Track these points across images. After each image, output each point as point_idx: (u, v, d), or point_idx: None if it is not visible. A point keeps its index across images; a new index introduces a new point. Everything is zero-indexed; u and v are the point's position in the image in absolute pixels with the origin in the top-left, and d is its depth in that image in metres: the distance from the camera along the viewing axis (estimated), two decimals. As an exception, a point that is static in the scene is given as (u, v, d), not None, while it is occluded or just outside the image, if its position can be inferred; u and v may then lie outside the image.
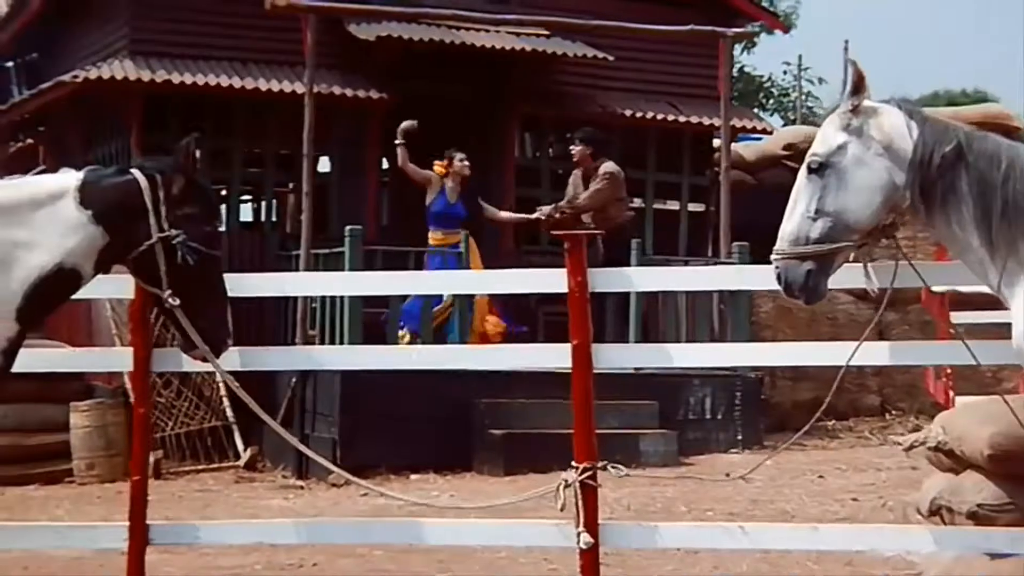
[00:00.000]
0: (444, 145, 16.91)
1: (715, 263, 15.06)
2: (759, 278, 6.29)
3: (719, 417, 14.11)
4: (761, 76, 33.03)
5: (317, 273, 11.46)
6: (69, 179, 5.77)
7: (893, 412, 17.23)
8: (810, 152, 5.87)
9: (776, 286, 5.86)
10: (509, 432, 12.98)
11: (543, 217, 14.10)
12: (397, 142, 13.81)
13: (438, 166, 14.15)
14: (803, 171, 5.91)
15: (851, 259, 5.98)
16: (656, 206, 16.99)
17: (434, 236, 13.98)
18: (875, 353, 7.12)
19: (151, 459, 14.21)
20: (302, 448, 7.37)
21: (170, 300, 5.85)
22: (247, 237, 15.61)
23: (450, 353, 9.14)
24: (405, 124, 13.82)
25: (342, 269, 13.54)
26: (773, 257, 5.92)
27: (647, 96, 16.57)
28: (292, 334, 14.43)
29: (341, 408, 13.17)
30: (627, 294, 14.55)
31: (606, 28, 14.98)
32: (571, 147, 14.55)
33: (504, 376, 13.65)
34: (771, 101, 30.83)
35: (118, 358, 8.86)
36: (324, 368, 13.28)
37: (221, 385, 14.83)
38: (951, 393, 13.03)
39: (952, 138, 5.66)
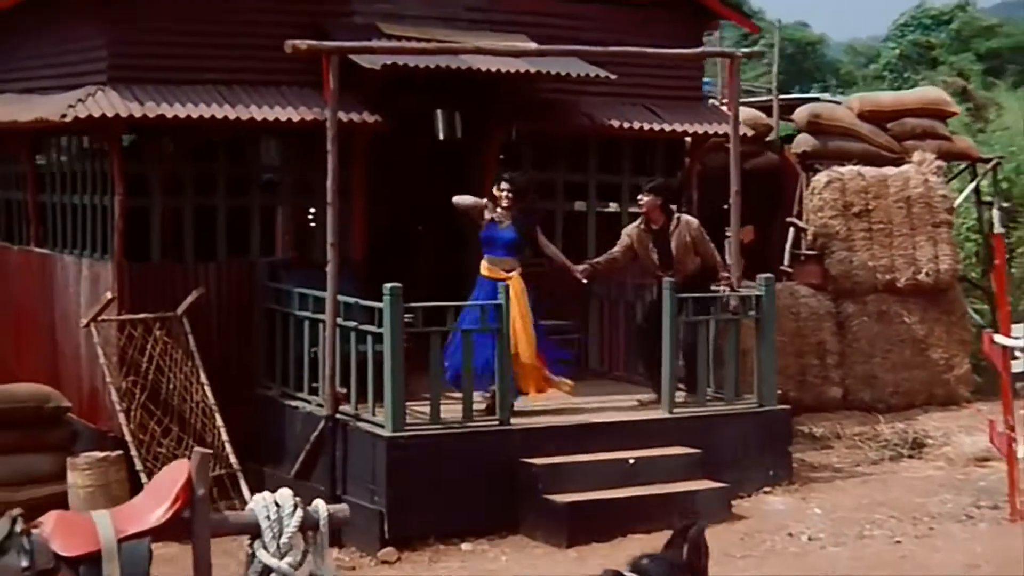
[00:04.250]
0: (429, 164, 15.42)
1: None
2: None
3: (750, 455, 12.94)
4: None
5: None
6: None
7: (872, 411, 16.42)
8: None
9: None
10: (574, 501, 11.59)
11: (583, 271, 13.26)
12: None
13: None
14: None
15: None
16: (631, 209, 15.60)
17: (482, 265, 12.53)
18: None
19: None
20: None
21: None
22: (235, 266, 13.75)
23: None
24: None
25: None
26: None
27: (623, 100, 15.09)
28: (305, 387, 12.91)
29: (389, 478, 11.59)
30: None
31: (625, 55, 13.48)
32: (641, 196, 13.31)
33: (546, 431, 12.39)
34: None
35: None
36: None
37: (222, 430, 13.18)
38: (1015, 445, 12.18)
39: None
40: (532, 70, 13.56)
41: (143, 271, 13.47)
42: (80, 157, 14.07)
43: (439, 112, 16.07)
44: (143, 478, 12.72)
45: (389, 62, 12.98)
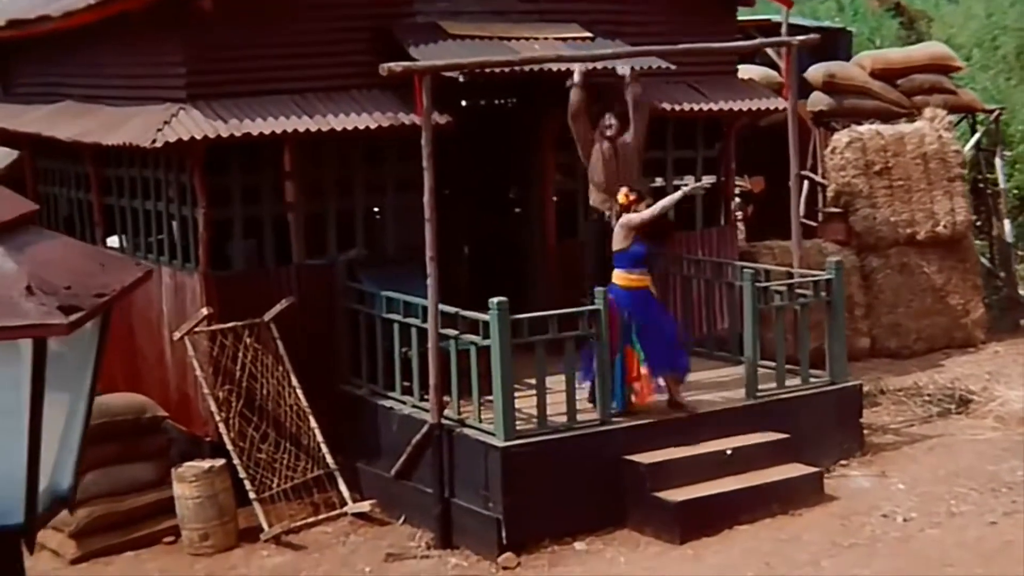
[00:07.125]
0: (495, 156, 14.94)
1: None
2: None
3: (826, 431, 12.65)
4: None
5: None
6: None
7: (898, 358, 16.35)
8: None
9: None
10: (685, 500, 11.25)
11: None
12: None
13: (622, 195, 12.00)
14: None
15: None
16: (675, 182, 15.16)
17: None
18: None
19: (274, 532, 12.16)
20: None
21: None
22: (314, 271, 13.14)
23: None
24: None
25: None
26: None
27: (667, 80, 14.53)
28: (397, 387, 12.40)
29: (504, 486, 11.19)
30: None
31: (693, 51, 12.94)
32: (609, 120, 12.60)
33: (644, 428, 11.99)
34: None
35: None
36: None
37: (316, 431, 12.67)
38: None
39: None
40: (601, 67, 12.98)
41: (228, 280, 12.87)
42: (155, 166, 13.31)
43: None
44: (247, 485, 12.25)
45: (467, 70, 12.34)
